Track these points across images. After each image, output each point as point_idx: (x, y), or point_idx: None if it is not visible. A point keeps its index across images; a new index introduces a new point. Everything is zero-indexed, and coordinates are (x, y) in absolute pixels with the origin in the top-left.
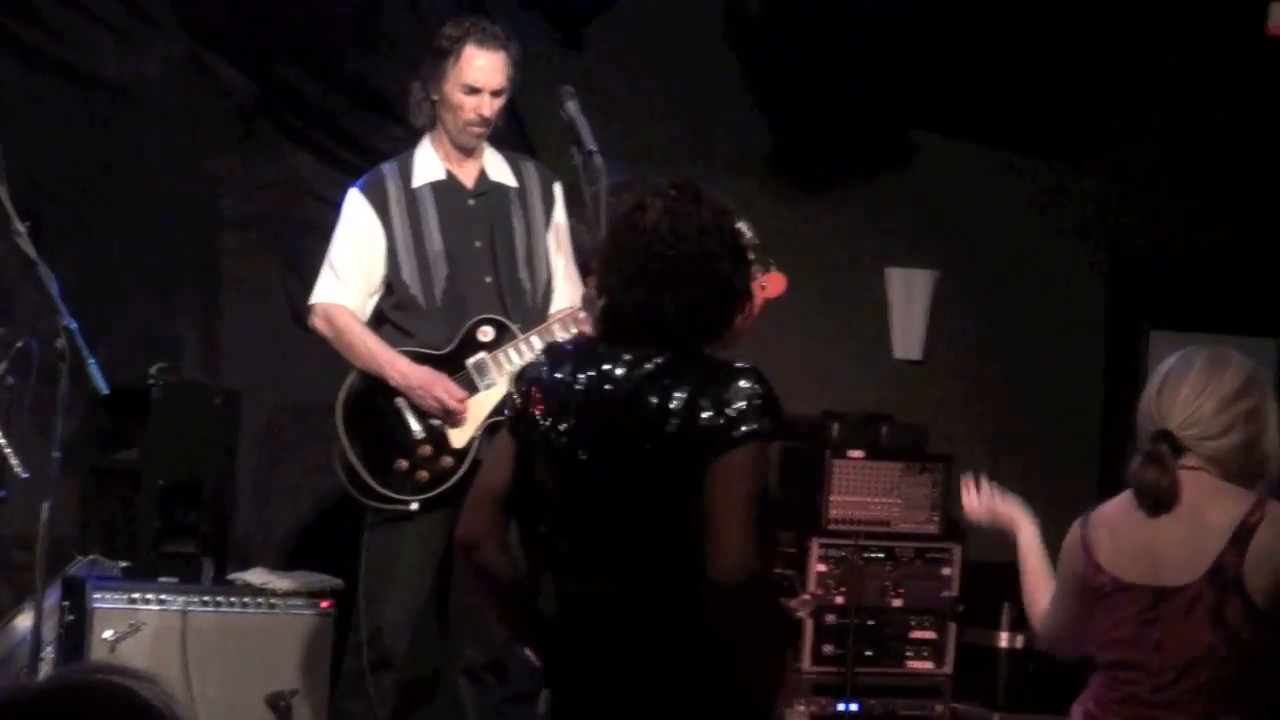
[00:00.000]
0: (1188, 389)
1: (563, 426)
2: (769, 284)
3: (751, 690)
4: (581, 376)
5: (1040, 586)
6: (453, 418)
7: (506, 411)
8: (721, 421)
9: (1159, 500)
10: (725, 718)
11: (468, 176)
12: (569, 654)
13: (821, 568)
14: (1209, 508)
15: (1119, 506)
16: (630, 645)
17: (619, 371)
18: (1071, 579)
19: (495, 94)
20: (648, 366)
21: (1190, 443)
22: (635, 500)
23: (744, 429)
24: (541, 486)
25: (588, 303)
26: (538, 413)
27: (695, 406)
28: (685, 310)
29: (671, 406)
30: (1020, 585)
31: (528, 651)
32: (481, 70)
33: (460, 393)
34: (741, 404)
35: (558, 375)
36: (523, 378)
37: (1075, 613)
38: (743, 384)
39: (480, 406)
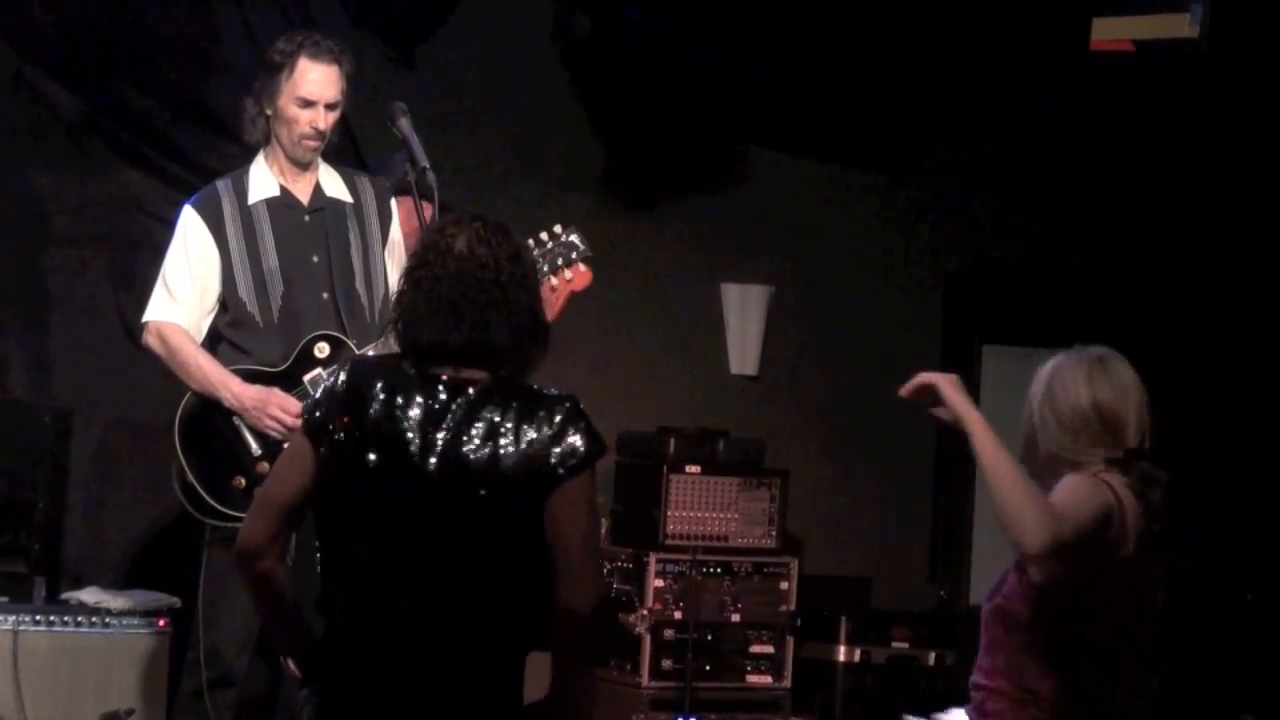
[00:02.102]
0: (1134, 400)
1: (377, 448)
2: (574, 277)
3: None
4: (399, 398)
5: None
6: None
7: (306, 417)
8: (554, 457)
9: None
10: None
11: (303, 192)
12: (353, 666)
13: (659, 583)
14: None
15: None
16: (431, 668)
17: (442, 396)
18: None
19: (329, 107)
20: (470, 392)
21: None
22: (461, 529)
23: (575, 461)
24: (346, 499)
25: None
26: (342, 426)
27: (524, 439)
28: (511, 338)
29: (500, 440)
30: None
31: (289, 663)
32: (315, 83)
33: (296, 405)
34: (572, 438)
35: (367, 392)
36: (325, 389)
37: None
38: (565, 414)
39: None
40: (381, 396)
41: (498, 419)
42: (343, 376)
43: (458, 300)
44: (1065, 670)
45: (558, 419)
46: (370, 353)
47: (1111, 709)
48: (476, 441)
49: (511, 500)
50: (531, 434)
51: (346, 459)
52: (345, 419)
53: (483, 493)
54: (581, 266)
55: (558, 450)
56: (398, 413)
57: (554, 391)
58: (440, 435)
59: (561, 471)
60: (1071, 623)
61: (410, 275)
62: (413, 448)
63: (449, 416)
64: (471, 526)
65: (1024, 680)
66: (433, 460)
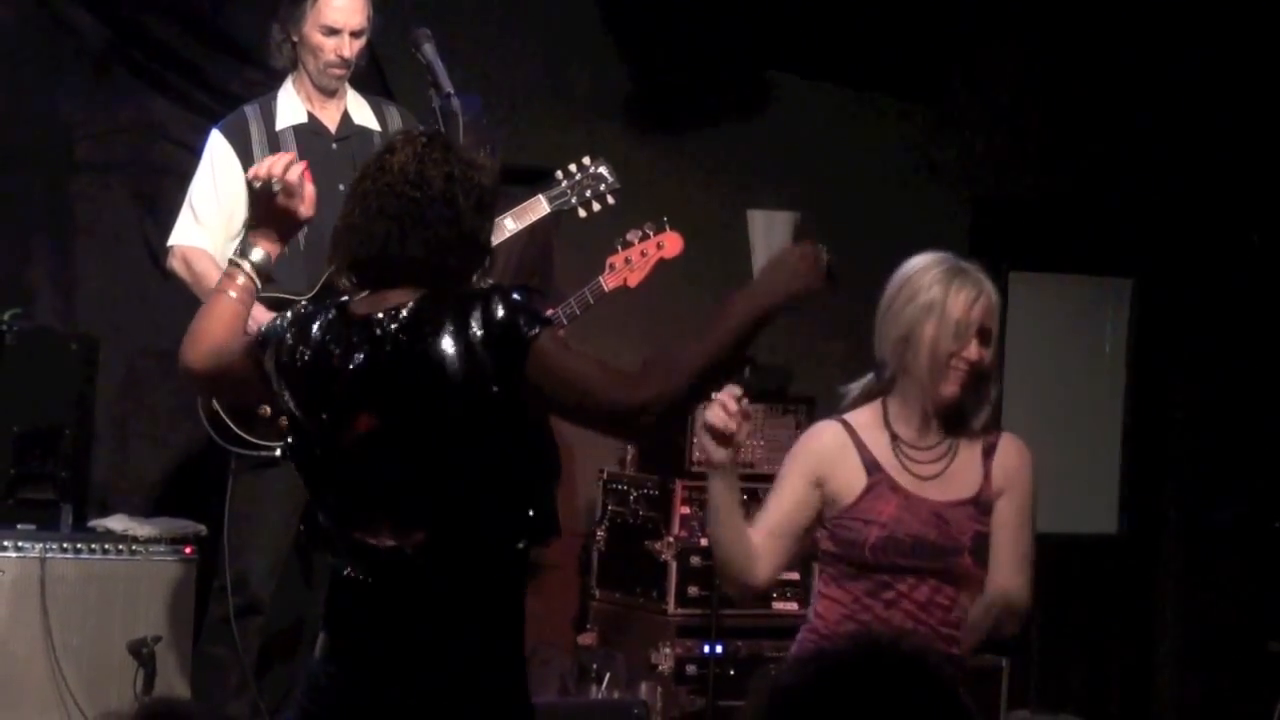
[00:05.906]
0: None
1: (329, 387)
2: (666, 244)
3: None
4: (338, 334)
5: None
6: None
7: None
8: (511, 327)
9: None
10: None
11: (330, 120)
12: (353, 605)
13: (685, 510)
14: None
15: None
16: (426, 595)
17: (384, 325)
18: None
19: (355, 34)
20: (403, 314)
21: None
22: (427, 453)
23: (532, 329)
24: (311, 444)
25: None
26: (288, 378)
27: (467, 338)
28: (426, 252)
29: (447, 350)
30: None
31: None
32: (340, 11)
33: None
34: (509, 313)
35: (295, 337)
36: (266, 344)
37: None
38: (498, 299)
39: None
40: (316, 338)
41: (440, 332)
42: (274, 325)
43: (375, 215)
44: None
45: (490, 310)
46: None
47: None
48: (428, 362)
49: (476, 409)
50: (473, 332)
51: (293, 404)
52: (282, 373)
53: (444, 413)
54: (673, 233)
55: (509, 322)
56: (336, 351)
57: (479, 287)
58: (384, 364)
59: (519, 344)
60: None
61: (351, 190)
62: (358, 383)
63: (392, 344)
64: (443, 450)
65: None
66: (383, 393)
